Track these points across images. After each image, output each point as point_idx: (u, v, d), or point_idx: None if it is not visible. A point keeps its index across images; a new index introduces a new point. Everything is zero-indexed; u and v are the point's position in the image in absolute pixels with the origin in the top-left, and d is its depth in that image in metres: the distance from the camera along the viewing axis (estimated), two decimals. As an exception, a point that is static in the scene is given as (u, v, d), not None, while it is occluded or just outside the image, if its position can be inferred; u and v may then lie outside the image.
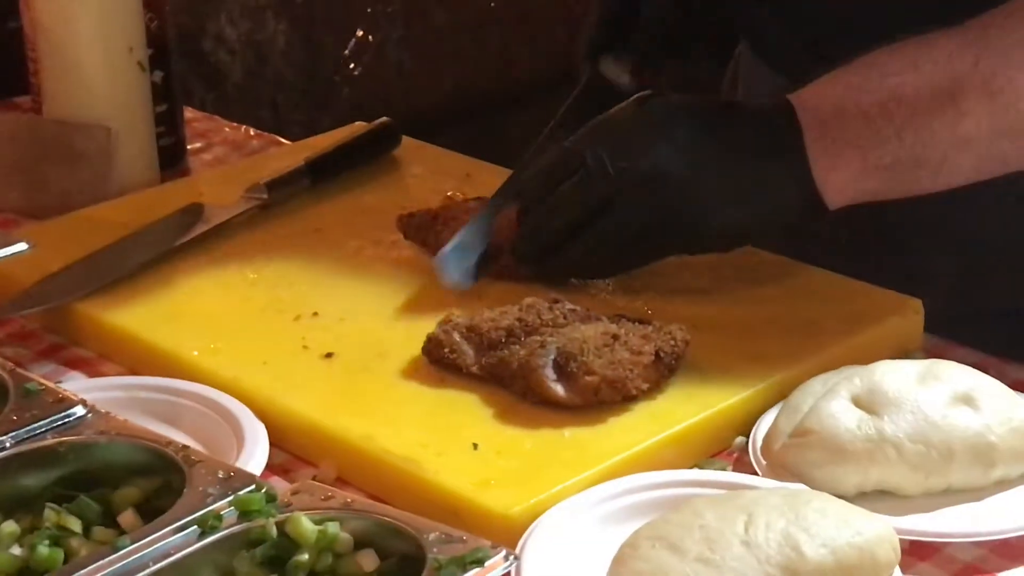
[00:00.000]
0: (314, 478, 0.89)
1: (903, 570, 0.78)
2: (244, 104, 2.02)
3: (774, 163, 0.97)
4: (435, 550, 0.68)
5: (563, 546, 0.81)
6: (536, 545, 0.80)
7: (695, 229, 1.00)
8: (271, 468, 0.90)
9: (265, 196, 1.17)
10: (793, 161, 0.97)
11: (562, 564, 0.79)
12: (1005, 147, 0.96)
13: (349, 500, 0.73)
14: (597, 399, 0.91)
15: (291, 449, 0.92)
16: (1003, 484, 0.85)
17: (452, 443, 0.89)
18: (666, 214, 0.99)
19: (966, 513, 0.83)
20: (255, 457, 0.87)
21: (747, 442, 0.90)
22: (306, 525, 0.71)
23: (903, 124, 0.95)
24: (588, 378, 0.91)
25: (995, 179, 0.99)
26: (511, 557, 0.67)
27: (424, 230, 1.10)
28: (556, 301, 0.99)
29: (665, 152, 0.98)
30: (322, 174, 1.22)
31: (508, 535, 0.81)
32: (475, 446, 0.89)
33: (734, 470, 0.90)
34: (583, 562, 0.80)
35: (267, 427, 0.91)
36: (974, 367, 0.90)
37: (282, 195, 1.19)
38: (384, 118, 1.29)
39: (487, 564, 0.67)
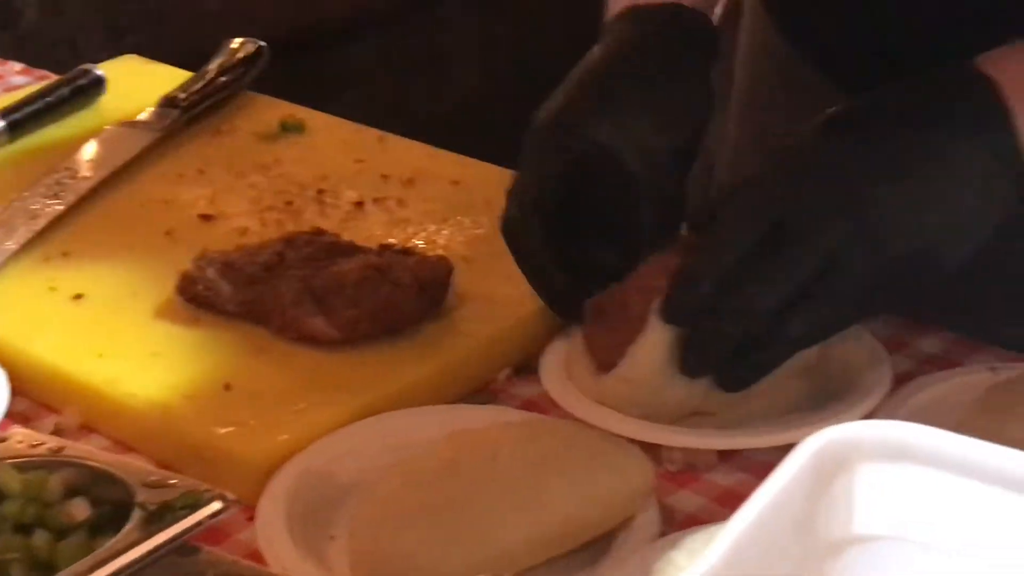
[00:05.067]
0: (56, 426, 0.84)
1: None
2: (40, 44, 1.93)
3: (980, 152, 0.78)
4: (145, 496, 0.64)
5: (311, 490, 0.77)
6: (279, 491, 0.75)
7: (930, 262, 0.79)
8: (12, 417, 0.84)
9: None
10: (1001, 158, 0.77)
11: (308, 510, 0.76)
12: None
13: (59, 447, 0.69)
14: (357, 334, 0.87)
15: (35, 396, 0.87)
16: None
17: (203, 385, 0.84)
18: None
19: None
20: (-8, 406, 0.82)
21: (511, 374, 0.87)
22: (11, 474, 0.66)
23: None
24: (347, 312, 0.87)
25: None
26: (227, 501, 0.63)
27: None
28: (319, 234, 0.94)
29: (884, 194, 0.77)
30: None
31: (257, 480, 0.77)
32: (227, 387, 0.84)
33: (500, 403, 0.86)
34: (330, 507, 0.77)
35: (10, 374, 0.86)
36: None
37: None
38: (85, 65, 1.21)
39: (200, 509, 0.63)
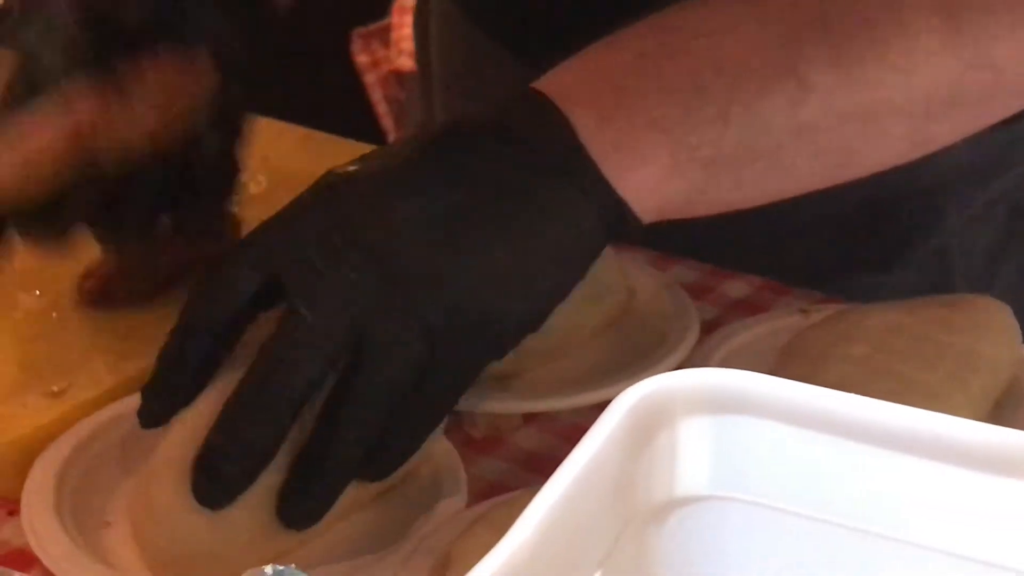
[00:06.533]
0: None
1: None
2: None
3: (548, 195, 0.64)
4: None
5: (80, 474, 0.69)
6: (43, 478, 0.68)
7: (497, 336, 0.66)
8: None
9: None
10: (575, 178, 0.64)
11: (78, 495, 0.68)
12: (852, 134, 0.67)
13: None
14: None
15: None
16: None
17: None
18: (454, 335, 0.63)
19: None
20: None
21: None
22: None
23: (728, 100, 0.65)
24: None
25: None
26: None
27: None
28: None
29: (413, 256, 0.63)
30: None
31: (14, 471, 0.70)
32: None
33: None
34: (103, 490, 0.70)
35: None
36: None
37: None
38: None
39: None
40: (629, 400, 0.45)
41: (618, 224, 0.65)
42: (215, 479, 0.62)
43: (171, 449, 0.64)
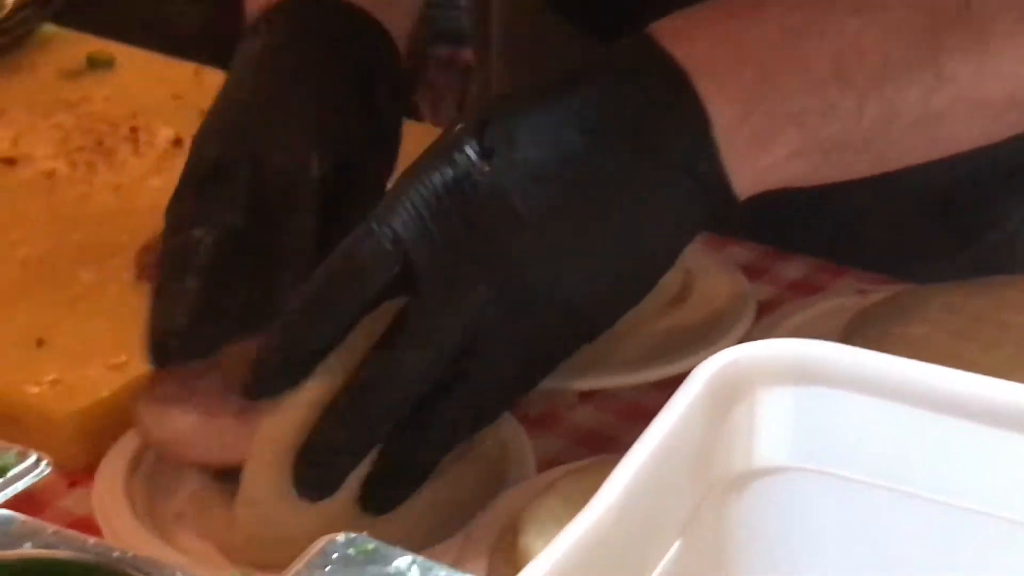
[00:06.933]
0: None
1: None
2: None
3: (667, 192, 0.63)
4: (-56, 462, 0.56)
5: (152, 462, 0.70)
6: (118, 456, 0.69)
7: (599, 328, 0.66)
8: None
9: None
10: (697, 172, 0.63)
11: (149, 483, 0.69)
12: (970, 123, 0.67)
13: None
14: None
15: None
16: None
17: (11, 338, 0.76)
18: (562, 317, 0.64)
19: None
20: None
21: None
22: None
23: (866, 93, 0.63)
24: None
25: None
26: (42, 463, 0.56)
27: None
28: None
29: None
30: None
31: (76, 443, 0.71)
32: (40, 342, 0.76)
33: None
34: (172, 480, 0.69)
35: None
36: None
37: None
38: None
39: (11, 473, 0.56)
40: (709, 370, 0.45)
41: (720, 213, 0.65)
42: (321, 476, 0.62)
43: (271, 431, 0.63)
